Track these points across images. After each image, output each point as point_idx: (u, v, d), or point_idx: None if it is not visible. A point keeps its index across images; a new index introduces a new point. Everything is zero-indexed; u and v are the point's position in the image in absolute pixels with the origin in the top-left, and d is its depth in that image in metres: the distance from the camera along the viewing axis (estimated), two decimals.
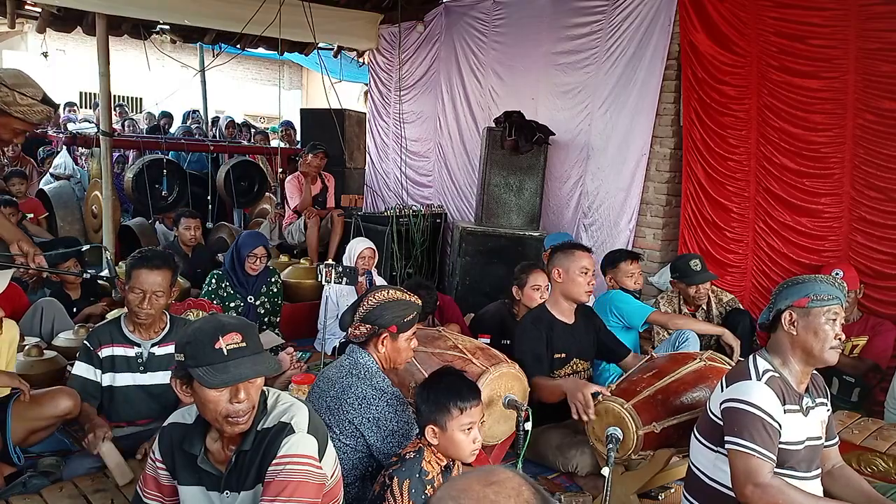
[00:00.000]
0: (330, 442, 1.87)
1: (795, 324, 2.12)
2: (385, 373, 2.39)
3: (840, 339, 2.11)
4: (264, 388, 1.82)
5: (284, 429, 1.73)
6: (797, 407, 2.12)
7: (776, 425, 2.03)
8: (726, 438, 2.07)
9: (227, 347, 1.66)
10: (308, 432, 1.75)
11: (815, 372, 2.23)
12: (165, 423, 1.89)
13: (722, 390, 2.16)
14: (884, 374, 3.80)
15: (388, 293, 2.42)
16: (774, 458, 2.01)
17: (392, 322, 2.37)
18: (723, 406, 2.12)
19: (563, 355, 3.18)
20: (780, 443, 2.07)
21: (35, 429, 2.70)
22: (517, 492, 1.04)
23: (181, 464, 1.82)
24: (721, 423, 2.12)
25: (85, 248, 3.89)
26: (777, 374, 2.13)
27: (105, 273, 3.11)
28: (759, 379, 2.10)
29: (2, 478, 2.62)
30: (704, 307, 4.11)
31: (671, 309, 4.12)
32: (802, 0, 4.15)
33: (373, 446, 2.24)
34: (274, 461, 1.69)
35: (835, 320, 2.10)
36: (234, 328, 1.70)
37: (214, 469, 1.79)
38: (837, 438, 2.32)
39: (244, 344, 1.69)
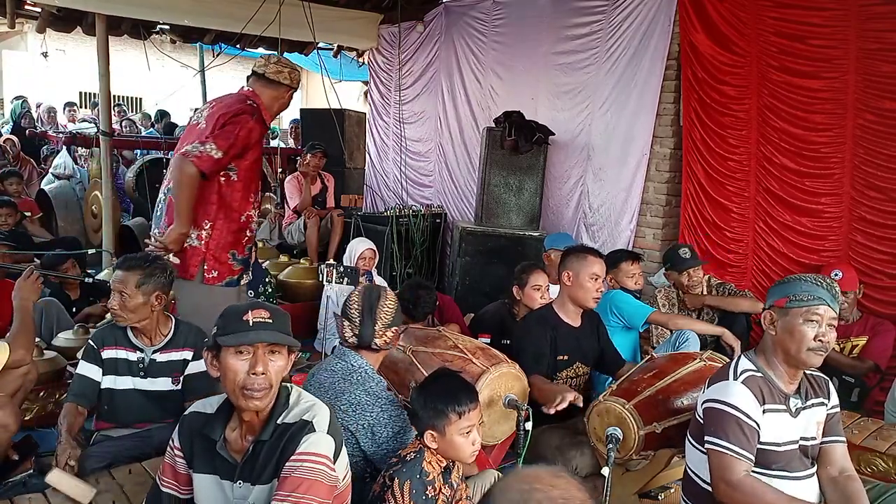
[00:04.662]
0: (344, 446, 1.87)
1: (775, 324, 2.10)
2: (383, 372, 2.40)
3: (821, 340, 2.03)
4: (287, 384, 1.84)
5: (305, 427, 1.75)
6: (782, 407, 2.10)
7: (753, 424, 2.03)
8: (705, 438, 2.08)
9: (254, 319, 1.73)
10: (328, 433, 1.77)
11: (815, 372, 2.21)
12: (186, 413, 1.93)
13: (704, 391, 2.18)
14: (884, 374, 3.80)
15: (392, 295, 2.50)
16: (751, 456, 2.01)
17: (401, 319, 2.49)
18: (703, 406, 2.14)
19: (566, 357, 3.17)
20: (764, 443, 2.06)
21: (13, 391, 2.70)
22: (579, 488, 1.21)
23: (199, 450, 1.85)
24: (703, 423, 2.13)
25: (91, 252, 3.87)
26: (759, 374, 2.11)
27: (103, 275, 3.11)
28: (736, 379, 2.10)
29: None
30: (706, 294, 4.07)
31: (668, 303, 4.12)
32: (802, 0, 4.15)
33: (367, 451, 2.23)
34: (292, 457, 1.71)
35: (815, 321, 2.03)
36: (266, 308, 1.79)
37: (231, 457, 1.82)
38: (843, 438, 2.23)
39: (270, 320, 1.75)
